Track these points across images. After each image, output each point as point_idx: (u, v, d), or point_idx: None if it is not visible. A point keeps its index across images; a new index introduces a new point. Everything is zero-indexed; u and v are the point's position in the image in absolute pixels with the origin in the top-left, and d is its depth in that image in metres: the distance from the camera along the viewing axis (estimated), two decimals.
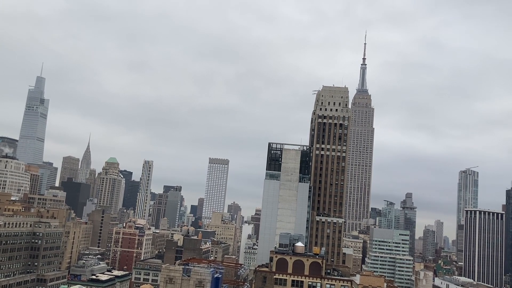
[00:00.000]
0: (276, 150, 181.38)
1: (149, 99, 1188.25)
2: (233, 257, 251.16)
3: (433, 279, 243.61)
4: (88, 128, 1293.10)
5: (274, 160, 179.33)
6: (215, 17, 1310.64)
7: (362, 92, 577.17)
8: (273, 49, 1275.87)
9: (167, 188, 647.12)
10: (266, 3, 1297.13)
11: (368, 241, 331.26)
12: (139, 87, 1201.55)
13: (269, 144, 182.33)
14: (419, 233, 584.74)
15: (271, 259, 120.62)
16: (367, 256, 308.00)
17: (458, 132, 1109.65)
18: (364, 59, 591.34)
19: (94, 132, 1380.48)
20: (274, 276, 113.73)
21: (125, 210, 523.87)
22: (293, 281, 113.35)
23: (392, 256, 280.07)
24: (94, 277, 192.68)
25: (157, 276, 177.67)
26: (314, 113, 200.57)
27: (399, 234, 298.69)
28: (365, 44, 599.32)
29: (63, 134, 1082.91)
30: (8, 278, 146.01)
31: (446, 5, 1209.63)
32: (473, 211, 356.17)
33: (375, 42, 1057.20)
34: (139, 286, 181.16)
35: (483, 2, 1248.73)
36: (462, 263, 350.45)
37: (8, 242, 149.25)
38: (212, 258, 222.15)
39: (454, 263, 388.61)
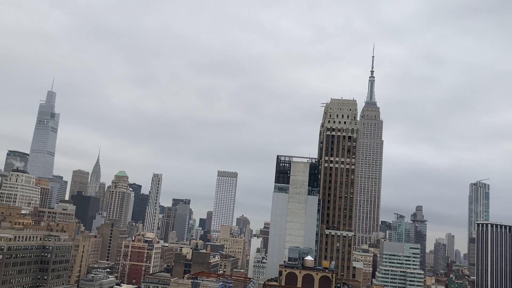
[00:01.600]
0: (284, 163, 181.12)
1: (155, 113, 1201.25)
2: (242, 271, 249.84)
3: None
4: (97, 142, 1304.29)
5: (283, 172, 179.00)
6: (216, 32, 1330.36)
7: (371, 104, 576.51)
8: (275, 63, 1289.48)
9: (176, 201, 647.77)
10: (266, 19, 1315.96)
11: (378, 255, 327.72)
12: (144, 101, 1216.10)
13: (278, 156, 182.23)
14: (430, 246, 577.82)
15: (280, 273, 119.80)
16: (378, 270, 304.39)
17: (463, 144, 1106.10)
18: (372, 71, 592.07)
19: (103, 145, 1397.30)
20: None
21: (134, 224, 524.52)
22: None
23: (402, 270, 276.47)
24: None
25: None
26: (322, 125, 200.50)
27: (410, 248, 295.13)
28: (373, 57, 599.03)
29: (73, 148, 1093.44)
30: None
31: (442, 20, 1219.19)
32: (484, 224, 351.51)
33: (375, 56, 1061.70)
34: None
35: (477, 16, 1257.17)
36: (475, 277, 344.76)
37: (18, 255, 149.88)
38: (220, 272, 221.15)
39: (466, 277, 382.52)
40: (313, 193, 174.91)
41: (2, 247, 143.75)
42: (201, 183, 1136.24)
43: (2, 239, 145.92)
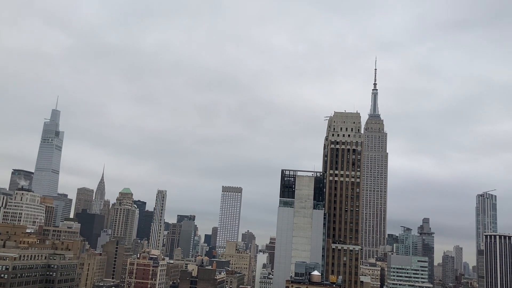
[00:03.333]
0: (289, 177, 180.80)
1: (156, 131, 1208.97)
2: (248, 287, 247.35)
3: None
4: (100, 160, 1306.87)
5: (288, 187, 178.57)
6: (212, 50, 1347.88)
7: (374, 117, 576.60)
8: (271, 79, 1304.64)
9: (180, 218, 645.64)
10: (260, 36, 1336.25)
11: (385, 269, 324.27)
12: (145, 119, 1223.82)
13: (282, 171, 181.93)
14: (438, 259, 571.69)
15: None
16: (385, 284, 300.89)
17: (464, 155, 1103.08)
18: (375, 84, 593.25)
19: (106, 163, 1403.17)
20: None
21: (139, 241, 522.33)
22: None
23: (411, 283, 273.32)
24: None
25: None
26: (326, 139, 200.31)
27: (418, 261, 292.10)
28: (375, 69, 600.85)
29: (77, 166, 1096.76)
30: None
31: (433, 34, 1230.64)
32: (493, 236, 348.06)
33: (368, 70, 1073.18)
34: None
35: (467, 30, 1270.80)
36: None
37: (24, 275, 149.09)
38: None
39: None
40: (319, 207, 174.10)
41: (8, 267, 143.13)
42: (206, 199, 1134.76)
43: (8, 258, 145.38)
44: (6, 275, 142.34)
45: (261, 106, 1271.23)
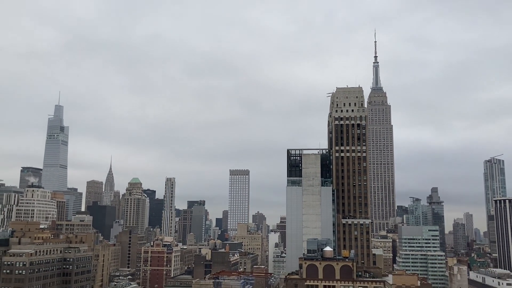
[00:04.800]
0: (295, 156, 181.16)
1: (156, 119, 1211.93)
2: (262, 266, 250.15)
3: (468, 273, 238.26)
4: (106, 152, 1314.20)
5: (294, 166, 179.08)
6: (204, 35, 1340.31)
7: (377, 90, 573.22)
8: (266, 60, 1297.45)
9: (190, 204, 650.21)
10: (250, 19, 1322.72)
11: (397, 240, 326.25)
12: (144, 108, 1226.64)
13: (288, 150, 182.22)
14: (448, 227, 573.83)
15: (300, 266, 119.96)
16: (398, 255, 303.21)
17: (465, 123, 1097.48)
18: (375, 57, 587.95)
19: (109, 155, 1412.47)
20: (306, 283, 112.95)
21: (151, 229, 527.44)
22: (324, 286, 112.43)
23: (423, 253, 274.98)
24: None
25: None
26: (330, 115, 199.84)
27: (428, 230, 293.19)
28: (375, 42, 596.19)
29: (83, 160, 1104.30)
30: None
31: (425, 3, 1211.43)
32: (502, 200, 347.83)
33: (363, 44, 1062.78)
34: None
35: None
36: (496, 254, 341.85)
37: (41, 270, 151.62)
38: (241, 269, 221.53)
39: (488, 255, 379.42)
40: (327, 184, 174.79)
41: (25, 263, 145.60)
42: (214, 184, 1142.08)
43: (24, 254, 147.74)
44: (24, 271, 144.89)
45: (258, 88, 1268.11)
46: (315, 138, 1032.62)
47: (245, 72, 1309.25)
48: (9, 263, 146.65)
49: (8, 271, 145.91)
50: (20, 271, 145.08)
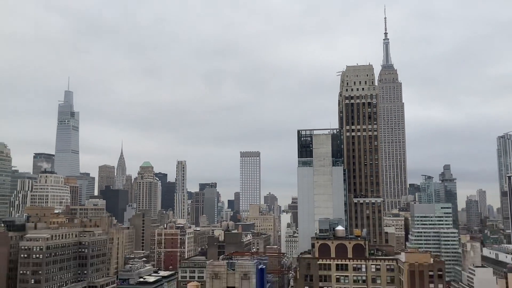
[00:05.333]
0: (305, 137, 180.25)
1: (165, 103, 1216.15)
2: (275, 247, 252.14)
3: (481, 249, 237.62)
4: (117, 137, 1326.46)
5: (305, 147, 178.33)
6: (209, 16, 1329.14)
7: (388, 67, 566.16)
8: (272, 40, 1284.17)
9: (202, 186, 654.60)
10: None
11: (409, 218, 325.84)
12: (152, 93, 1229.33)
13: (298, 131, 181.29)
14: (461, 204, 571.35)
15: (313, 245, 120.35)
16: (410, 233, 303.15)
17: (476, 99, 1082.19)
18: (386, 33, 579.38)
19: (120, 140, 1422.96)
20: (318, 262, 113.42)
21: (164, 212, 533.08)
22: (337, 265, 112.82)
23: (435, 230, 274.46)
24: (141, 279, 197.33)
25: (203, 272, 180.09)
26: (340, 94, 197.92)
27: (441, 208, 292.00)
28: (385, 18, 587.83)
29: (94, 145, 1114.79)
30: None
31: None
32: None
33: (369, 22, 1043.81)
34: (186, 284, 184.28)
35: None
36: (510, 231, 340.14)
37: (57, 253, 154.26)
38: (254, 250, 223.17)
39: (502, 231, 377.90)
40: (338, 163, 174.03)
41: (42, 247, 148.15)
42: (225, 166, 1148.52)
43: (40, 239, 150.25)
44: (41, 255, 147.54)
45: (265, 69, 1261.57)
46: (325, 118, 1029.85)
47: (251, 54, 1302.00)
48: (26, 247, 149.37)
49: (25, 255, 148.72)
50: (37, 255, 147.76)
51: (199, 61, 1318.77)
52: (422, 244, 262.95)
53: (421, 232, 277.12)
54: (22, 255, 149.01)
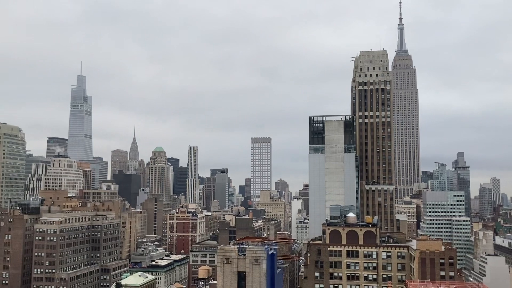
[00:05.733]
0: (317, 123, 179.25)
1: (176, 88, 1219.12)
2: (285, 233, 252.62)
3: (494, 238, 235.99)
4: (129, 121, 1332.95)
5: (317, 133, 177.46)
6: (220, 1, 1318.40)
7: (402, 53, 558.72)
8: (283, 26, 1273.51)
9: (214, 171, 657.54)
10: None
11: (421, 206, 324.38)
12: (163, 77, 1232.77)
13: (310, 117, 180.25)
14: (474, 192, 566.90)
15: (323, 232, 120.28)
16: (422, 220, 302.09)
17: (490, 86, 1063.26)
18: (400, 18, 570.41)
19: (132, 124, 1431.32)
20: (329, 248, 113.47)
21: (176, 196, 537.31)
22: (348, 251, 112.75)
23: (447, 218, 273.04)
24: (154, 263, 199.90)
25: (214, 257, 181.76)
26: (353, 80, 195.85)
27: (454, 195, 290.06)
28: (400, 2, 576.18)
29: (106, 130, 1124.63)
30: (75, 270, 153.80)
31: None
32: None
33: (382, 7, 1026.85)
34: (197, 268, 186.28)
35: None
36: None
37: (71, 236, 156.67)
38: (264, 235, 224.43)
39: None
40: (350, 150, 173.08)
41: (55, 230, 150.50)
42: (236, 151, 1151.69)
43: (54, 222, 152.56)
44: (55, 238, 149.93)
45: (276, 54, 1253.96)
46: (337, 105, 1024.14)
47: (262, 39, 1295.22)
48: (41, 230, 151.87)
49: (40, 238, 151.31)
50: (51, 238, 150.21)
51: (210, 46, 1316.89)
52: (433, 231, 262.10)
53: (433, 219, 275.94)
54: (37, 238, 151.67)
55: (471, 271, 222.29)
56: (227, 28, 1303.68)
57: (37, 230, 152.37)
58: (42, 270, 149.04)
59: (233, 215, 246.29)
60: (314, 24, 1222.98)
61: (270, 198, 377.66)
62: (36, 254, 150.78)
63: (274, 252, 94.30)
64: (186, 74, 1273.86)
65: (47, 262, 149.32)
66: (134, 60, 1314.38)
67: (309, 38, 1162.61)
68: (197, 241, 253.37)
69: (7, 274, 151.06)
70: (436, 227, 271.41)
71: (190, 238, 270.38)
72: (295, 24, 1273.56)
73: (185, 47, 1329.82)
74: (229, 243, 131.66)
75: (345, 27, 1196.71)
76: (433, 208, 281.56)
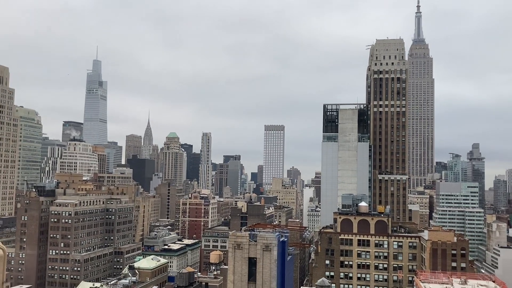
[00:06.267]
0: (331, 111, 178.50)
1: (189, 75, 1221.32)
2: (297, 220, 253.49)
3: (507, 230, 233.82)
4: (142, 107, 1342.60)
5: (330, 121, 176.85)
6: None
7: (419, 42, 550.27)
8: (296, 14, 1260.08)
9: (226, 158, 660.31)
10: None
11: (434, 196, 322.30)
12: (177, 64, 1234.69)
13: (324, 105, 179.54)
14: (489, 184, 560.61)
15: (335, 220, 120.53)
16: (435, 211, 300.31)
17: (507, 77, 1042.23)
18: (418, 6, 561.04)
19: (146, 110, 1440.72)
20: (340, 237, 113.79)
21: (189, 182, 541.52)
22: (359, 240, 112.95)
23: (461, 209, 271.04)
24: (166, 247, 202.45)
25: (225, 242, 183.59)
26: (369, 69, 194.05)
27: (467, 187, 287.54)
28: None
29: (121, 115, 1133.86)
30: (89, 252, 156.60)
31: None
32: None
33: None
34: (209, 253, 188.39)
35: None
36: None
37: (85, 219, 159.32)
38: (276, 222, 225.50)
39: None
40: (363, 139, 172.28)
41: (70, 212, 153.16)
42: (249, 138, 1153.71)
43: (69, 205, 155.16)
44: (69, 220, 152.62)
45: (288, 42, 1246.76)
46: (349, 93, 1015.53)
47: (275, 26, 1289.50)
48: (56, 212, 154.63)
49: (55, 219, 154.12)
50: (66, 220, 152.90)
51: (223, 33, 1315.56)
52: (446, 222, 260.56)
53: (446, 210, 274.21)
54: (52, 220, 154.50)
55: (483, 262, 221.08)
56: (240, 15, 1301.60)
57: (53, 212, 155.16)
58: (57, 251, 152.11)
59: (245, 202, 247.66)
60: (328, 12, 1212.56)
61: (282, 185, 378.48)
62: (51, 235, 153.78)
63: (285, 239, 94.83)
64: (198, 60, 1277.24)
65: (62, 244, 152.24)
66: (149, 45, 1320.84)
67: (322, 26, 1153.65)
68: (209, 226, 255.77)
69: (23, 254, 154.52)
70: (449, 218, 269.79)
71: (202, 223, 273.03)
72: (307, 12, 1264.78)
73: (197, 33, 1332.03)
74: (241, 229, 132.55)
75: (359, 15, 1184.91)
76: (446, 199, 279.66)
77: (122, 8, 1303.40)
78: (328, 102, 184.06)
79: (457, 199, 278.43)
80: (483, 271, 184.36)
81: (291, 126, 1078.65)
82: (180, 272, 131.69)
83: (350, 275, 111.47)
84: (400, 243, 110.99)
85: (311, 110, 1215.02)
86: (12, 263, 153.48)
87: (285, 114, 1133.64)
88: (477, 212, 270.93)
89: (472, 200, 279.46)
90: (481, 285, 67.92)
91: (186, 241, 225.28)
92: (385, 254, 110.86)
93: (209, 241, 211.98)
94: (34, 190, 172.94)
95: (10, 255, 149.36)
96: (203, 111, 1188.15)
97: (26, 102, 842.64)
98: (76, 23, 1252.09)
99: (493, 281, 70.55)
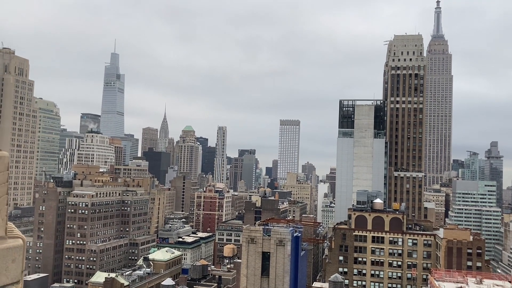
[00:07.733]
0: (347, 107, 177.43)
1: (203, 69, 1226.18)
2: (311, 216, 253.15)
3: None
4: (158, 100, 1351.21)
5: (346, 117, 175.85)
6: None
7: (438, 38, 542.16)
8: (309, 9, 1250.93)
9: (241, 152, 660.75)
10: None
11: (450, 194, 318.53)
12: (191, 58, 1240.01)
13: (340, 101, 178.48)
14: (507, 183, 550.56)
15: (349, 217, 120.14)
16: (451, 209, 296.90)
17: None
18: (438, 2, 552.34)
19: (162, 103, 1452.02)
20: (354, 233, 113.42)
21: (204, 175, 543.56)
22: (373, 237, 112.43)
23: (477, 208, 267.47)
24: (180, 239, 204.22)
25: (239, 236, 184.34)
26: (386, 64, 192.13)
27: (485, 185, 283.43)
28: None
29: (137, 108, 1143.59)
30: (104, 243, 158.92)
31: None
32: None
33: None
34: (222, 246, 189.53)
35: None
36: None
37: (101, 210, 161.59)
38: (290, 217, 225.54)
39: None
40: (379, 136, 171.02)
41: (87, 203, 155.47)
42: (264, 133, 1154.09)
43: (86, 196, 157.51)
44: (86, 211, 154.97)
45: (302, 37, 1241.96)
46: (364, 89, 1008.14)
47: (288, 22, 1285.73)
48: (73, 203, 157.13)
49: (72, 210, 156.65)
50: (83, 211, 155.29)
51: (236, 28, 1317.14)
52: (462, 221, 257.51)
53: (462, 209, 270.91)
54: (69, 210, 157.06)
55: (500, 262, 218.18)
56: (253, 10, 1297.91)
57: (70, 202, 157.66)
58: (73, 242, 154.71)
59: (259, 196, 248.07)
60: (341, 7, 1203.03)
61: (297, 180, 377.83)
62: (68, 225, 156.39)
63: (299, 235, 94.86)
64: (212, 55, 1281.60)
65: (79, 234, 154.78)
66: (164, 40, 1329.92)
67: (336, 21, 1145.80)
68: (223, 220, 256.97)
69: (41, 243, 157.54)
70: (465, 217, 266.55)
71: (216, 216, 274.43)
72: (321, 7, 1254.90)
73: (211, 28, 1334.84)
74: (255, 223, 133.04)
75: (373, 11, 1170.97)
76: (463, 197, 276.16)
77: (136, 3, 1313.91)
78: (342, 97, 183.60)
79: (474, 198, 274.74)
80: (499, 271, 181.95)
81: (305, 122, 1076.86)
82: (194, 264, 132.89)
83: (364, 271, 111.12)
84: (415, 241, 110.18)
85: (325, 106, 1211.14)
86: (30, 252, 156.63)
87: (299, 109, 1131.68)
88: (494, 211, 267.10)
89: (490, 199, 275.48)
90: (497, 285, 67.13)
91: (200, 234, 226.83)
92: (400, 251, 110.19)
93: (223, 235, 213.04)
94: (52, 180, 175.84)
95: (28, 244, 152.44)
96: (218, 105, 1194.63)
97: (45, 94, 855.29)
98: (93, 18, 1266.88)
99: (510, 282, 69.68)
